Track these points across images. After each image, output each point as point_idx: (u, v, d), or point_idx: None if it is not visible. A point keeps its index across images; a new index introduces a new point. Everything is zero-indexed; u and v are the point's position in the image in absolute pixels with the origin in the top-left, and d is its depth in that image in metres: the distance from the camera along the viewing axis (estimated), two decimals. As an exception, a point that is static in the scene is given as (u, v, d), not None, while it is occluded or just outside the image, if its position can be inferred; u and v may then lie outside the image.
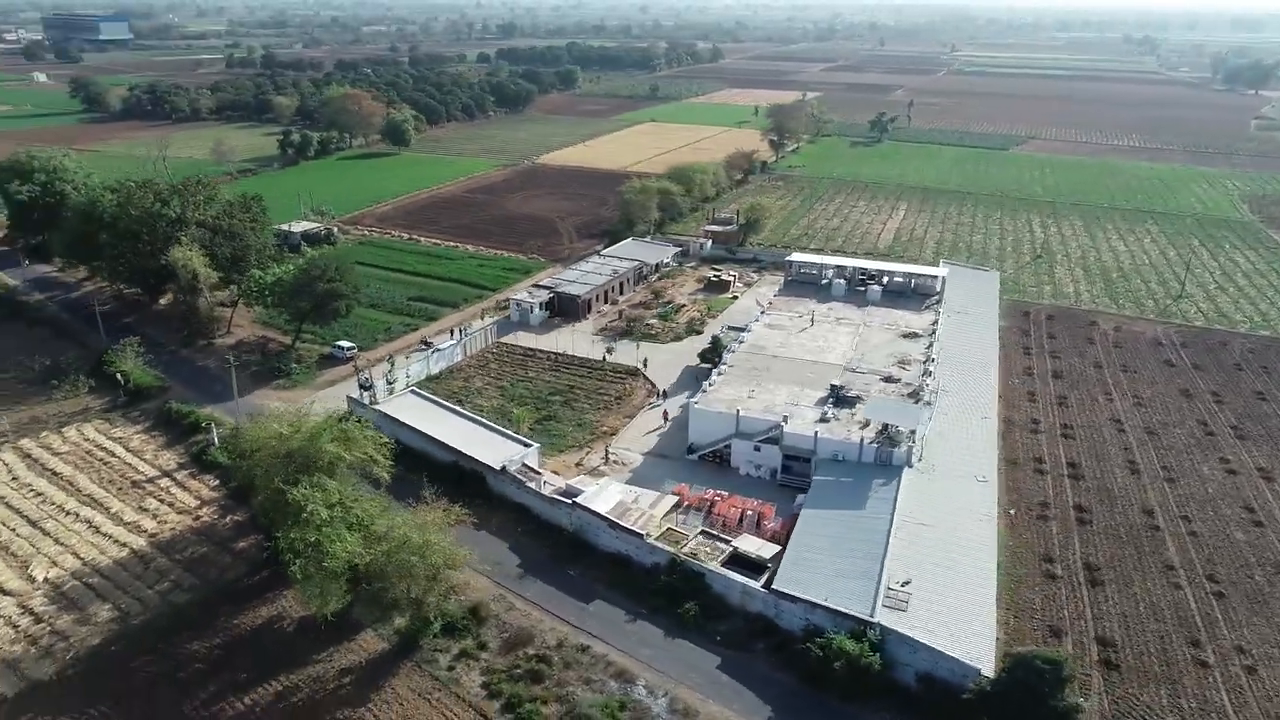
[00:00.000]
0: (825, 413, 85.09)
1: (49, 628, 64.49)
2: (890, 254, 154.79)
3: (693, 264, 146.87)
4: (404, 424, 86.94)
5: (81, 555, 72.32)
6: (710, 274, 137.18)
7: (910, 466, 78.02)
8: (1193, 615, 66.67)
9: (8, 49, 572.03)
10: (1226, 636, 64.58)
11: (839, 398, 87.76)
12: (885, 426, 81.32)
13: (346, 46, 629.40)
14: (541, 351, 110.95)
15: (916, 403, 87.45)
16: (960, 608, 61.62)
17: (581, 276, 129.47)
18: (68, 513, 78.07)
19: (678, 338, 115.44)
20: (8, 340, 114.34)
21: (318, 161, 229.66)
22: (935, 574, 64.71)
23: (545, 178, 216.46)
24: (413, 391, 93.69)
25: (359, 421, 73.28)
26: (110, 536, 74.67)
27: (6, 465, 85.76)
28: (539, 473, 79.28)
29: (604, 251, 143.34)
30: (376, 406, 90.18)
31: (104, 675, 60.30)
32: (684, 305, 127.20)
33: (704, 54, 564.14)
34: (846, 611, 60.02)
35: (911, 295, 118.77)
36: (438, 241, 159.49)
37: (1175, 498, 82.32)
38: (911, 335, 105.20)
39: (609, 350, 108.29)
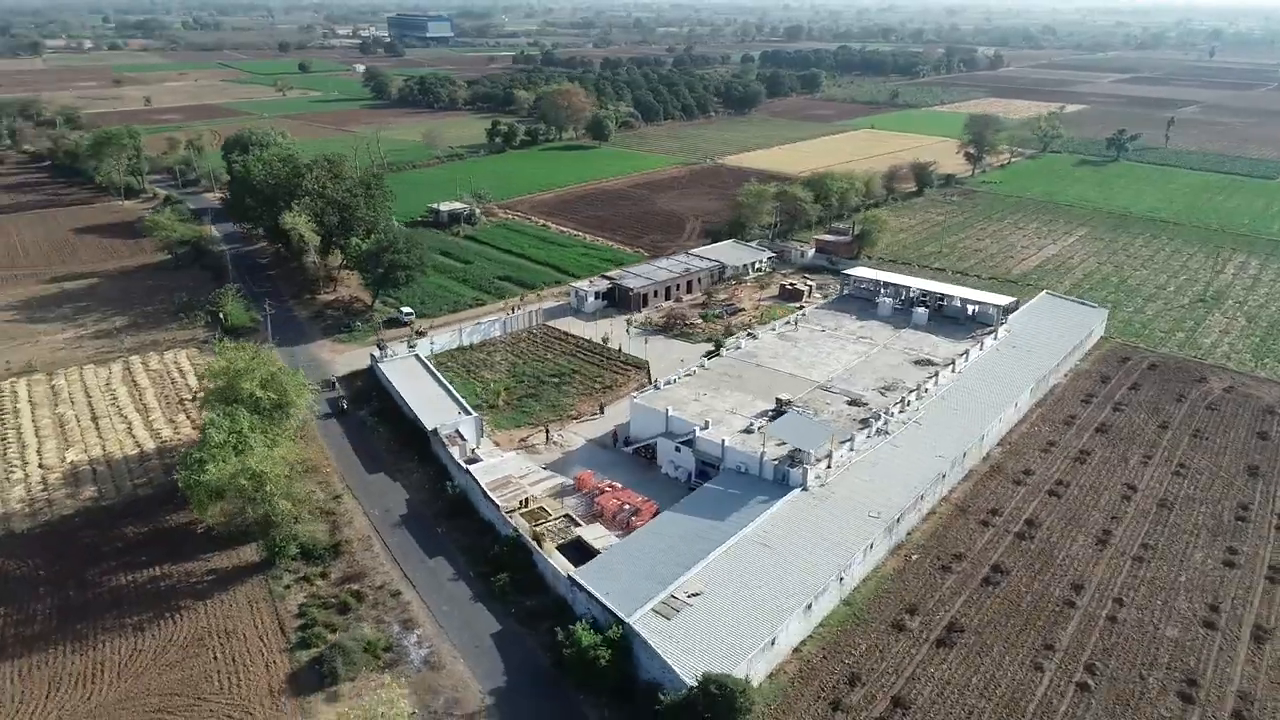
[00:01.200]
0: (751, 425, 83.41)
1: (48, 496, 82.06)
2: (1020, 282, 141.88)
3: (786, 270, 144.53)
4: (390, 382, 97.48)
5: (107, 448, 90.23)
6: (788, 282, 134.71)
7: (805, 489, 74.98)
8: (1029, 701, 59.05)
9: (349, 43, 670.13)
10: (1051, 730, 56.79)
11: (780, 413, 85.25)
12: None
13: (634, 46, 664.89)
14: (573, 336, 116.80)
15: (864, 428, 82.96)
16: (734, 628, 59.78)
17: (650, 271, 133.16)
18: (121, 415, 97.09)
19: (710, 338, 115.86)
20: (181, 278, 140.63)
21: (520, 151, 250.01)
22: (736, 593, 62.95)
23: (715, 177, 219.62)
24: (415, 357, 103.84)
25: (296, 372, 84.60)
26: (135, 438, 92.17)
27: (109, 373, 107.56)
28: (465, 439, 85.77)
29: (692, 250, 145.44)
30: (380, 365, 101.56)
31: (59, 538, 76.01)
32: (742, 309, 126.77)
33: (980, 60, 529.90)
34: (609, 606, 60.86)
35: (964, 323, 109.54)
36: (565, 229, 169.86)
37: (1127, 578, 71.44)
38: (924, 363, 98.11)
39: (604, 339, 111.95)
